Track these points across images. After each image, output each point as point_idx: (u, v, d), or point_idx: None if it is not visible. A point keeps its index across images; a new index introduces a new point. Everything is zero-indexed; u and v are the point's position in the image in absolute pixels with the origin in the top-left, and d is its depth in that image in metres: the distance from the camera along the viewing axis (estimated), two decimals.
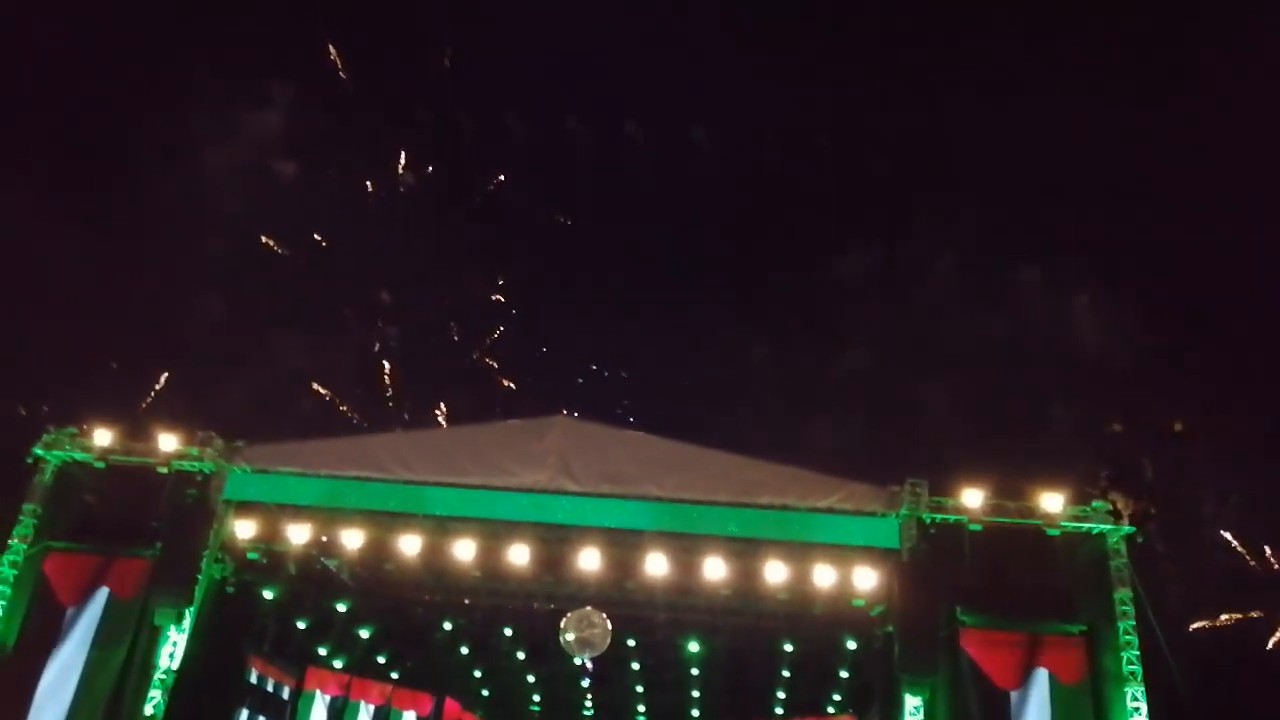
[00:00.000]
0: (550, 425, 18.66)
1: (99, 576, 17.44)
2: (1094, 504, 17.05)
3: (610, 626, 18.70)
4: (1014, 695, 16.10)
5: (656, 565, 17.76)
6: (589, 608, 18.64)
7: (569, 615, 18.75)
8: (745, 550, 17.70)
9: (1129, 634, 16.15)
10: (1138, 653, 16.00)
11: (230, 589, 18.78)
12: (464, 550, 18.19)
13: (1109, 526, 16.78)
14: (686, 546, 17.76)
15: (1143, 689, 15.82)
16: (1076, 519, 17.05)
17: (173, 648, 17.06)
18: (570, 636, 18.63)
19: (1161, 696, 16.00)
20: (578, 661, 20.13)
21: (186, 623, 17.21)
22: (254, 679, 20.39)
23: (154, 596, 17.16)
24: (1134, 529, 16.76)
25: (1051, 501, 17.15)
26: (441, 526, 18.28)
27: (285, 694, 21.46)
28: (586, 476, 17.88)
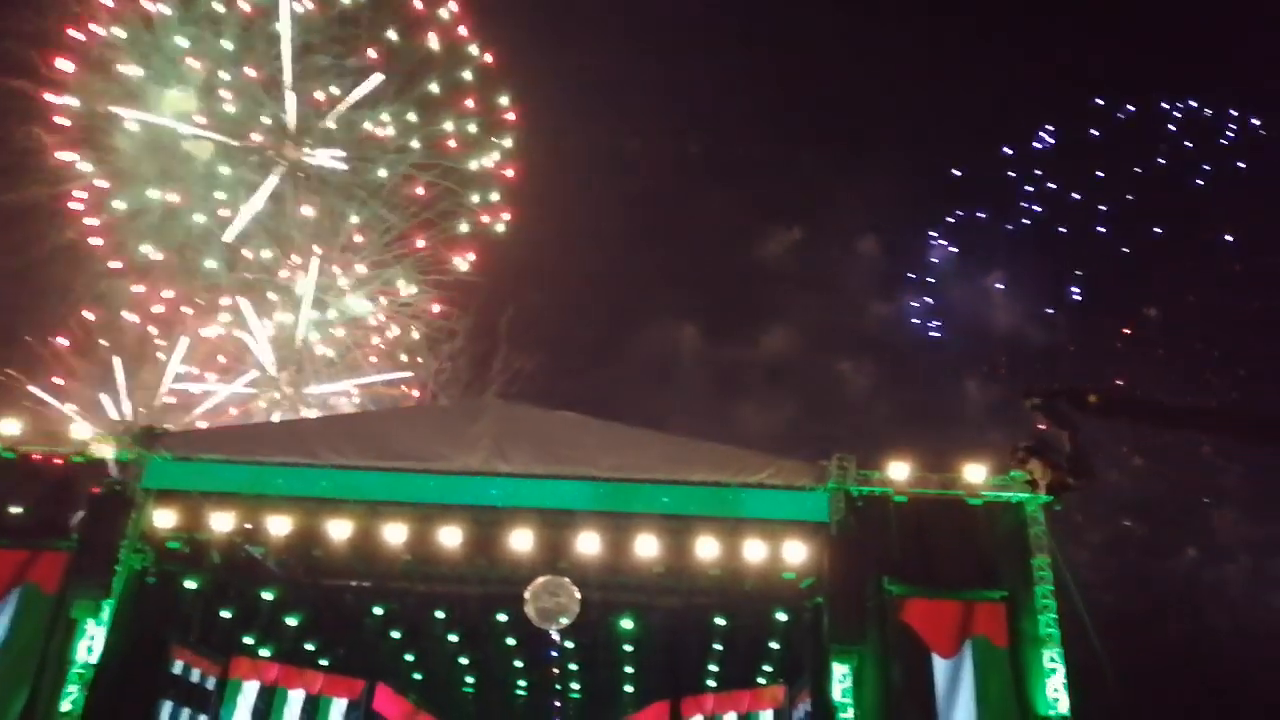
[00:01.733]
0: (483, 409, 18.60)
1: (22, 572, 16.79)
2: (1013, 474, 17.60)
3: (578, 594, 18.32)
4: (946, 661, 16.56)
5: (589, 544, 17.74)
6: (552, 575, 18.21)
7: (534, 584, 18.26)
8: (678, 527, 17.81)
9: (1046, 598, 16.83)
10: (1055, 615, 16.67)
11: (151, 579, 18.23)
12: (395, 535, 17.95)
13: (1027, 495, 17.41)
14: (620, 525, 17.77)
15: (1060, 650, 16.48)
16: (997, 489, 17.63)
17: (90, 641, 16.49)
18: (541, 605, 18.19)
19: (1077, 657, 16.66)
20: (554, 635, 19.50)
21: (105, 615, 16.66)
22: (178, 670, 19.88)
23: (71, 589, 16.60)
24: (1051, 498, 17.34)
25: (974, 473, 17.71)
26: (371, 511, 18.00)
27: (210, 685, 20.98)
28: (520, 458, 17.78)
